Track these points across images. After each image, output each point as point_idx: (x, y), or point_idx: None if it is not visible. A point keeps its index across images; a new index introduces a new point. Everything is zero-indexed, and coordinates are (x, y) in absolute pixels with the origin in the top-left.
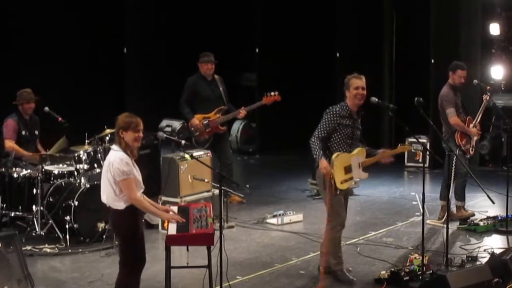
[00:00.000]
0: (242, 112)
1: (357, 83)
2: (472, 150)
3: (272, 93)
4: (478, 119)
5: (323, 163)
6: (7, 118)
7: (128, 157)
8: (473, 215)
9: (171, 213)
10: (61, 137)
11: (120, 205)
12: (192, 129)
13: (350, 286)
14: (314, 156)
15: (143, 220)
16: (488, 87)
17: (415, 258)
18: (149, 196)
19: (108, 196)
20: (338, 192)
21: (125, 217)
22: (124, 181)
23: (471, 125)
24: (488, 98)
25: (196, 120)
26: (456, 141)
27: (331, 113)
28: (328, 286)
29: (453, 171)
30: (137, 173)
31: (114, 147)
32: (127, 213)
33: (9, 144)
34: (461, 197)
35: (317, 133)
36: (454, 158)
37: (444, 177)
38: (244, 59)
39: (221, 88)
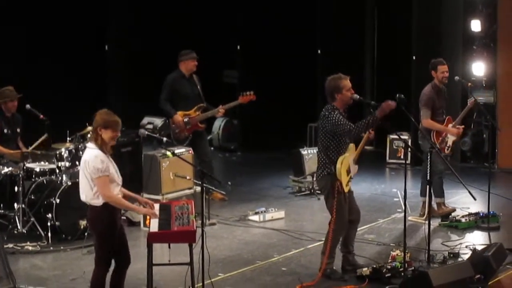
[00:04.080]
0: (221, 110)
1: (348, 84)
2: (447, 149)
3: (248, 93)
4: (459, 121)
5: (381, 109)
6: None
7: (103, 154)
8: (454, 210)
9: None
10: (43, 135)
11: (97, 202)
12: (173, 125)
13: (341, 283)
14: (364, 127)
15: (125, 218)
16: (470, 84)
17: (397, 254)
18: None
19: (86, 194)
20: (342, 196)
21: (101, 214)
22: (98, 179)
23: (450, 125)
24: (473, 103)
25: (179, 116)
26: (431, 139)
27: (333, 114)
28: (319, 284)
29: (428, 167)
30: (114, 169)
31: (90, 144)
32: (103, 210)
33: None
34: (439, 194)
35: (345, 126)
36: (428, 155)
37: (422, 173)
38: (226, 56)
39: (199, 86)
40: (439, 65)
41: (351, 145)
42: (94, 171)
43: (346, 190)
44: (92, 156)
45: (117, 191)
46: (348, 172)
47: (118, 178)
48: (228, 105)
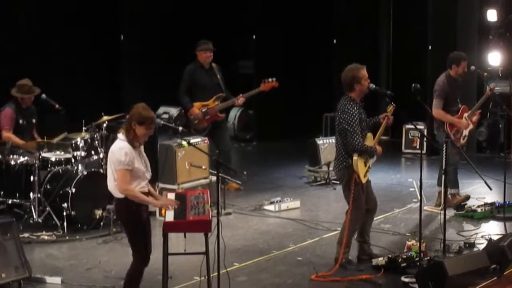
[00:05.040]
0: (241, 99)
1: (365, 73)
2: (463, 139)
3: (270, 80)
4: (476, 109)
5: (379, 150)
6: (4, 107)
7: (130, 147)
8: (469, 197)
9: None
10: (63, 133)
11: (118, 194)
12: (192, 117)
13: (357, 272)
14: (366, 151)
15: None
16: (486, 74)
17: (412, 244)
18: None
19: (110, 184)
20: (360, 186)
21: (124, 205)
22: (119, 171)
23: (465, 115)
24: (490, 92)
25: (196, 109)
26: (445, 129)
27: (353, 110)
28: (334, 274)
29: (444, 158)
30: (141, 163)
31: (120, 135)
32: (125, 201)
33: (6, 134)
34: (454, 184)
35: (355, 137)
36: (444, 146)
37: (439, 164)
38: (241, 46)
39: (218, 76)
40: (463, 61)
41: (369, 135)
42: (116, 162)
43: (364, 181)
44: (117, 148)
45: (142, 185)
46: (366, 163)
47: (145, 174)
48: (249, 93)
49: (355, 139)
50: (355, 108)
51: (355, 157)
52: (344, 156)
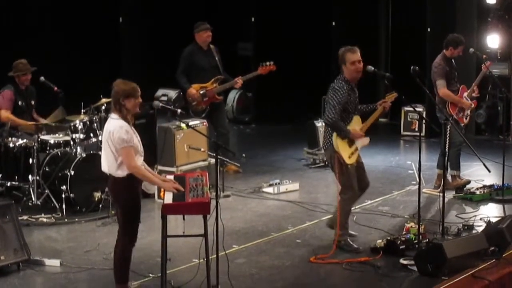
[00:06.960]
0: (239, 81)
1: (353, 57)
2: (466, 118)
3: (268, 63)
4: (475, 87)
5: (356, 133)
6: (3, 89)
7: (127, 124)
8: (469, 182)
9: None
10: (58, 107)
11: (121, 173)
12: (190, 99)
13: (355, 255)
14: (338, 130)
15: None
16: (484, 56)
17: (411, 227)
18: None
19: (110, 165)
20: (349, 167)
21: (125, 185)
22: (124, 149)
23: (465, 94)
24: (487, 67)
25: (193, 90)
26: (448, 110)
27: (342, 90)
28: (333, 256)
29: (447, 139)
30: (137, 140)
31: (113, 115)
32: (127, 182)
33: (5, 114)
34: (455, 166)
35: (331, 110)
36: (448, 127)
37: (441, 146)
38: (240, 28)
39: (217, 58)
40: (461, 45)
41: (355, 118)
42: (119, 141)
43: (349, 162)
44: (117, 127)
45: (141, 161)
46: (350, 143)
47: (141, 149)
48: (247, 76)
49: (331, 112)
50: (345, 88)
51: (333, 137)
52: (331, 134)
